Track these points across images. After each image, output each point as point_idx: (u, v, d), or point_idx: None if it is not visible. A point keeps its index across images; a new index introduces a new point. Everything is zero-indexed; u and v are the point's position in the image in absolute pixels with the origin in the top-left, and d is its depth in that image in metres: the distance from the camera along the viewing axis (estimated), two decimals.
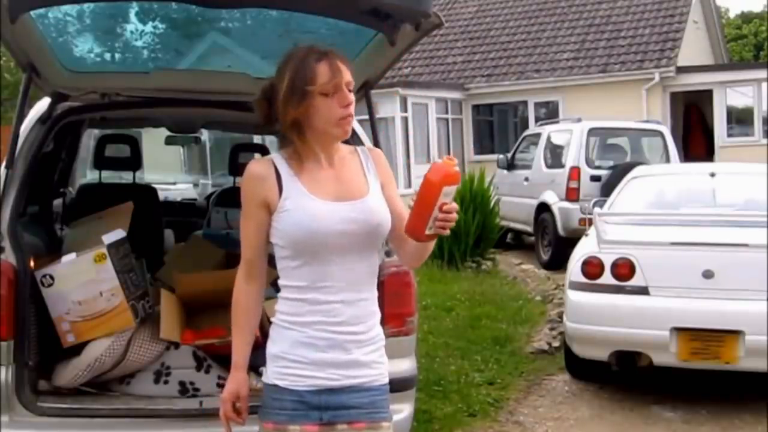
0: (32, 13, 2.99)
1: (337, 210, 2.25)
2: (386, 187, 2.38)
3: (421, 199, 2.13)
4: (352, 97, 2.25)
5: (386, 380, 2.38)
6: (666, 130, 11.91)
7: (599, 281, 5.24)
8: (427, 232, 2.13)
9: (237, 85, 3.72)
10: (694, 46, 19.64)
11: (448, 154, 18.25)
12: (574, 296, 5.39)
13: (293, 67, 2.23)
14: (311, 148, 2.29)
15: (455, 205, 2.15)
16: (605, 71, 17.59)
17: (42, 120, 3.62)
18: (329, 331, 2.26)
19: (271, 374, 2.31)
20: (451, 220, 2.13)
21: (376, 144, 3.37)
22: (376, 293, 2.37)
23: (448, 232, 2.15)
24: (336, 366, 2.28)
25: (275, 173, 2.29)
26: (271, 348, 2.33)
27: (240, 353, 2.36)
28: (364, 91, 3.54)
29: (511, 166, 12.60)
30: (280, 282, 2.33)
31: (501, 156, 13.13)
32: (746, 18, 39.55)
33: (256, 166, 2.33)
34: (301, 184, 2.27)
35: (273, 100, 2.27)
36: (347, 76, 2.25)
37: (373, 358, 2.33)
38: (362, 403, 2.31)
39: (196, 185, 13.06)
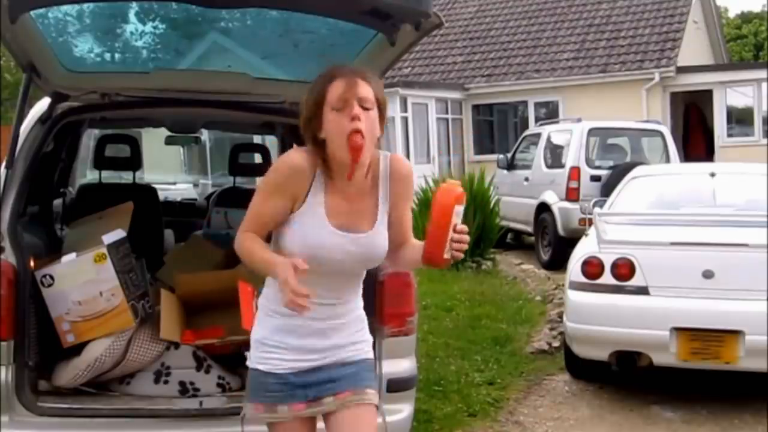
0: (32, 13, 2.99)
1: (341, 241, 2.30)
2: (398, 206, 2.40)
3: (435, 223, 2.19)
4: (359, 111, 2.20)
5: (370, 355, 2.47)
6: (666, 130, 11.90)
7: (599, 281, 5.24)
8: (445, 255, 2.20)
9: (237, 85, 3.73)
10: (694, 46, 19.62)
11: (448, 153, 18.34)
12: (574, 296, 5.38)
13: (311, 87, 2.30)
14: (333, 173, 2.31)
15: (465, 227, 2.22)
16: (605, 71, 17.57)
17: (42, 120, 3.62)
18: (308, 323, 2.34)
19: (255, 359, 2.40)
20: (464, 241, 2.21)
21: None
22: (360, 298, 2.46)
23: (462, 255, 2.22)
24: (316, 351, 2.37)
25: (313, 176, 2.29)
26: (255, 333, 2.42)
27: (268, 253, 2.30)
28: None
29: (511, 166, 12.58)
30: None
31: (501, 156, 13.10)
32: (746, 18, 39.50)
33: (300, 158, 2.30)
34: (322, 205, 2.30)
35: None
36: (363, 91, 2.23)
37: (352, 339, 2.42)
38: (345, 374, 2.39)
39: (196, 185, 13.07)
